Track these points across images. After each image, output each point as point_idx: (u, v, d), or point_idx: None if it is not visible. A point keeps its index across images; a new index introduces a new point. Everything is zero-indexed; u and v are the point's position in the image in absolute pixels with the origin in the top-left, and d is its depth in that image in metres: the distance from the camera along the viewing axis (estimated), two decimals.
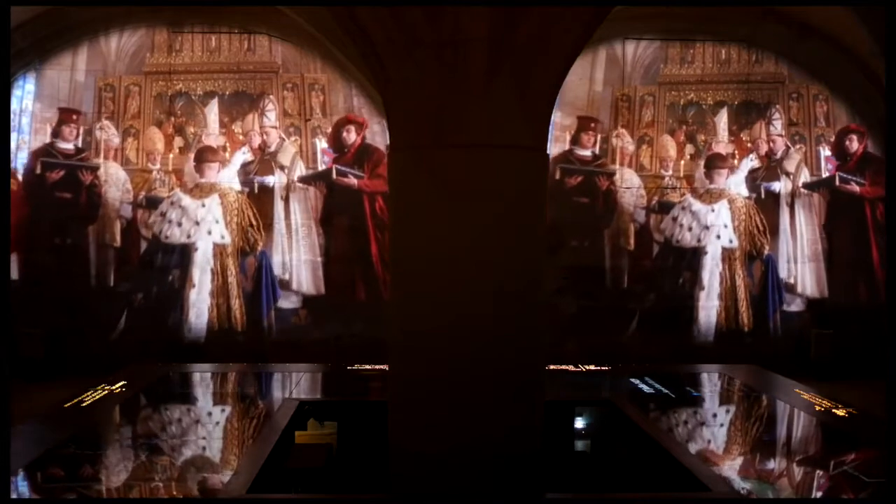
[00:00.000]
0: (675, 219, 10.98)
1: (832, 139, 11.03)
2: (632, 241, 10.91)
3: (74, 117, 10.49)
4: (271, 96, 10.73)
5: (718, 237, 10.98)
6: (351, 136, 10.67)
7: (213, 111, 10.72)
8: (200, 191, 10.68)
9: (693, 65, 10.98)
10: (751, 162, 11.00)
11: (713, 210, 11.00)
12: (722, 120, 11.04)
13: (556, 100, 3.98)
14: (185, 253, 10.52)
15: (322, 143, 10.72)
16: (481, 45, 3.61)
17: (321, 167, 10.70)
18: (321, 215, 10.67)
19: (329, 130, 10.68)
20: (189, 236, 10.61)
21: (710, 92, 11.01)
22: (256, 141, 10.71)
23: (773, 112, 11.02)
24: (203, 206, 10.66)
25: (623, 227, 10.92)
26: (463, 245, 3.74)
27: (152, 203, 10.59)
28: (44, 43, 10.21)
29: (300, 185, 10.72)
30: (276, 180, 10.67)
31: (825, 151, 11.04)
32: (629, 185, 10.93)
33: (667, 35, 10.81)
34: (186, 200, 10.66)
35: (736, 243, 10.99)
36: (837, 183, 11.01)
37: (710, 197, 11.03)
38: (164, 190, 10.60)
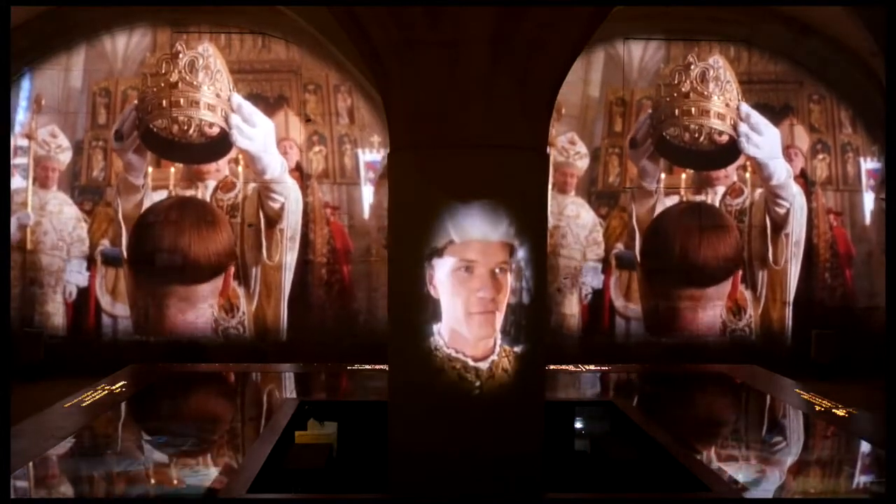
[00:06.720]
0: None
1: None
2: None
3: None
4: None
5: None
6: None
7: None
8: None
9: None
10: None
11: None
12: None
13: (556, 100, 3.99)
14: None
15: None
16: (481, 45, 3.61)
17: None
18: None
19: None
20: None
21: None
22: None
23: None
24: None
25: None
26: None
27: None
28: (44, 43, 9.62)
29: None
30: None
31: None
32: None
33: (666, 35, 10.49)
34: None
35: None
36: None
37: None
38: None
